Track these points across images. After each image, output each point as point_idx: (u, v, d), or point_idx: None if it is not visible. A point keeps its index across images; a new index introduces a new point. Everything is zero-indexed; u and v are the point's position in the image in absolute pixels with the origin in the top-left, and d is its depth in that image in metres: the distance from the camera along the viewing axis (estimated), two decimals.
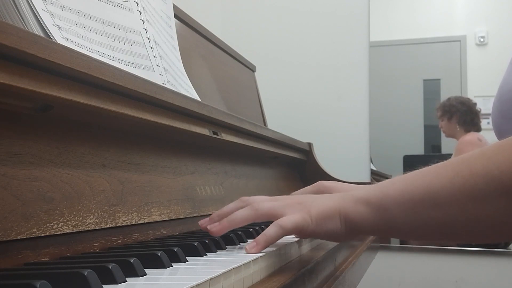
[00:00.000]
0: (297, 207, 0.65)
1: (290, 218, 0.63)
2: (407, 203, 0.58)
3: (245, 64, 1.75)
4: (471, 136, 2.65)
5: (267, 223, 0.66)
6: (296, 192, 0.85)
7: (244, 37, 2.19)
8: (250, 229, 0.76)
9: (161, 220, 0.74)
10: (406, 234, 0.62)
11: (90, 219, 0.59)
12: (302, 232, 0.64)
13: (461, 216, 0.55)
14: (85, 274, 0.39)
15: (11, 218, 0.48)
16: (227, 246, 0.66)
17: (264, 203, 0.66)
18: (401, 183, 0.60)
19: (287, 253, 0.69)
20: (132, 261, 0.46)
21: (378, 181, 2.17)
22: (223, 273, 0.47)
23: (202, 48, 1.39)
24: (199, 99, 1.04)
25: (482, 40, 2.92)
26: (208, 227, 0.65)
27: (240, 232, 0.71)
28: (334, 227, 0.63)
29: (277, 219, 0.64)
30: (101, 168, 0.65)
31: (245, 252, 0.62)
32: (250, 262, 0.54)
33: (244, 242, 0.72)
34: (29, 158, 0.53)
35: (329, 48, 2.17)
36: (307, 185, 0.85)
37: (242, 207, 0.67)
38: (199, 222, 0.70)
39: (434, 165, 0.60)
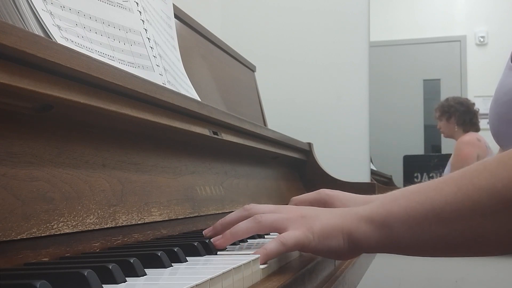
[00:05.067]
0: (300, 221, 0.64)
1: (292, 235, 0.62)
2: (411, 220, 0.58)
3: (245, 64, 1.75)
4: (470, 136, 2.66)
5: None
6: (298, 197, 0.84)
7: (244, 37, 2.18)
8: None
9: (161, 220, 0.74)
10: (411, 251, 0.61)
11: (90, 219, 0.59)
12: (303, 249, 0.63)
13: (466, 231, 0.55)
14: (85, 274, 0.39)
15: (11, 218, 0.48)
16: (227, 246, 0.66)
17: (267, 215, 0.65)
18: (404, 199, 0.60)
19: (287, 253, 0.69)
20: (132, 261, 0.46)
21: (378, 181, 2.16)
22: (223, 273, 0.47)
23: (202, 48, 1.39)
24: (199, 99, 1.04)
25: (482, 40, 2.92)
26: (212, 240, 0.65)
27: None
28: (337, 245, 0.62)
29: (280, 232, 0.63)
30: (101, 168, 0.65)
31: (244, 251, 0.62)
32: (250, 262, 0.54)
33: (244, 242, 0.72)
34: (29, 158, 0.53)
35: (329, 48, 2.17)
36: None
37: (245, 216, 0.66)
38: (203, 232, 0.69)
39: (436, 179, 0.60)
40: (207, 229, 0.69)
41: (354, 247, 0.62)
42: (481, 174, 0.54)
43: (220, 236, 0.65)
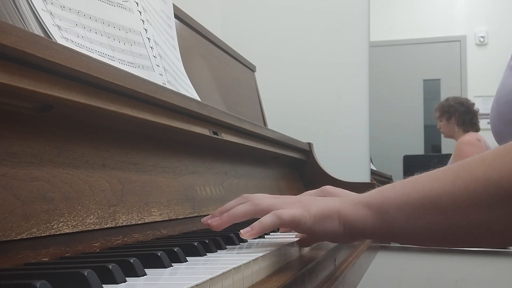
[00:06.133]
0: (297, 204, 0.65)
1: (288, 211, 0.63)
2: (407, 207, 0.58)
3: (245, 64, 1.75)
4: (470, 136, 2.65)
5: None
6: (301, 195, 0.85)
7: (244, 37, 2.18)
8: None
9: (161, 220, 0.74)
10: (406, 238, 0.61)
11: (90, 219, 0.59)
12: (299, 227, 0.64)
13: (461, 221, 0.55)
14: (85, 274, 0.39)
15: (11, 218, 0.48)
16: (227, 246, 0.66)
17: (265, 199, 0.67)
18: (402, 187, 0.61)
19: (287, 253, 0.69)
20: (132, 261, 0.46)
21: (378, 181, 2.17)
22: (223, 273, 0.47)
23: (202, 48, 1.39)
24: (199, 99, 1.04)
25: (482, 40, 2.92)
26: (209, 221, 0.65)
27: None
28: (332, 227, 0.63)
29: None
30: (101, 168, 0.65)
31: (244, 250, 0.62)
32: (250, 262, 0.54)
33: (244, 242, 0.72)
34: (29, 158, 0.53)
35: (329, 48, 2.17)
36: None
37: (243, 203, 0.67)
38: (202, 220, 0.70)
39: (435, 170, 0.60)
40: (206, 217, 0.70)
41: (349, 231, 0.63)
42: (479, 165, 0.55)
43: (217, 218, 0.65)
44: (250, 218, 0.68)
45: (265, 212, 0.66)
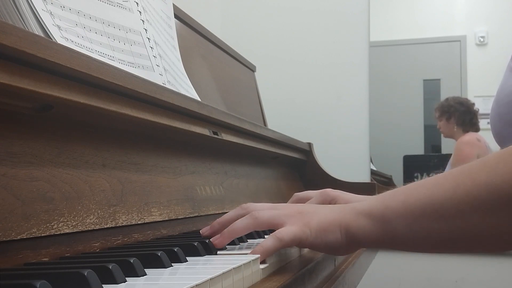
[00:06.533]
0: (297, 217, 0.64)
1: (289, 230, 0.62)
2: (409, 215, 0.58)
3: (245, 64, 1.75)
4: (470, 136, 2.66)
5: None
6: (300, 193, 0.84)
7: (244, 37, 2.18)
8: None
9: (161, 220, 0.74)
10: (409, 246, 0.61)
11: (90, 219, 0.59)
12: (301, 244, 0.63)
13: (464, 226, 0.55)
14: (85, 274, 0.39)
15: (11, 218, 0.48)
16: (227, 246, 0.66)
17: (264, 211, 0.65)
18: (403, 194, 0.60)
19: (287, 253, 0.69)
20: (132, 261, 0.46)
21: (378, 181, 2.16)
22: (223, 273, 0.47)
23: (202, 48, 1.39)
24: (199, 99, 1.04)
25: (482, 40, 2.93)
26: (211, 239, 0.65)
27: None
28: (334, 239, 0.62)
29: (277, 228, 0.63)
30: (101, 168, 0.65)
31: (245, 250, 0.62)
32: (250, 262, 0.54)
33: (244, 242, 0.72)
34: (29, 158, 0.53)
35: (329, 48, 2.17)
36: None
37: (242, 215, 0.66)
38: (200, 231, 0.69)
39: (435, 176, 0.59)
40: (204, 228, 0.69)
41: (352, 241, 0.62)
42: (480, 170, 0.54)
43: (218, 235, 0.65)
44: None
45: (265, 225, 0.65)
